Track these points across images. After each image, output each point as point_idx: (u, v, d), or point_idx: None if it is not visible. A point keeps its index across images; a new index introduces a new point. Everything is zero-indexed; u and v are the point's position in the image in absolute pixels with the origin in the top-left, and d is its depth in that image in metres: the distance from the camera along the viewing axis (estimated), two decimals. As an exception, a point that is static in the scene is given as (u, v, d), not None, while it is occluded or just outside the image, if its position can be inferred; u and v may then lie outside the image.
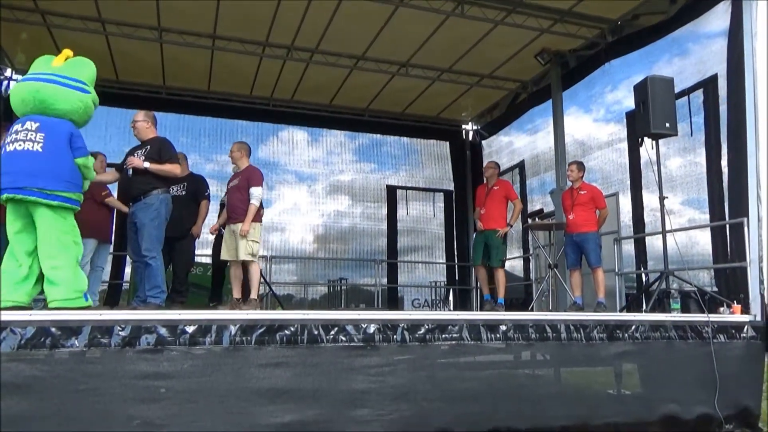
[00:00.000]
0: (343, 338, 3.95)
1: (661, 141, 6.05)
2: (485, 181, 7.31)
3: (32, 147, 3.81)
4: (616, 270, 7.47)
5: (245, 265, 5.70)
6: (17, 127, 3.90)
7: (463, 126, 11.99)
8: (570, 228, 6.68)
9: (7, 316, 3.32)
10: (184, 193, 6.18)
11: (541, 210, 9.58)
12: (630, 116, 7.61)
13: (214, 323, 3.70)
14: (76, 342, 3.36)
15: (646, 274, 7.27)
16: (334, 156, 11.62)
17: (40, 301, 4.24)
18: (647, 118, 5.86)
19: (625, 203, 7.87)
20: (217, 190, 7.62)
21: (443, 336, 4.20)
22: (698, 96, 6.71)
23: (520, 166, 10.47)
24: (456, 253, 11.69)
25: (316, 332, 3.89)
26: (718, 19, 6.39)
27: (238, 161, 5.93)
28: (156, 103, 9.35)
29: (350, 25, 8.00)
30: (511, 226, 7.23)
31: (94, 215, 5.68)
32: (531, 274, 10.01)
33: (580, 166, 6.84)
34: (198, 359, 3.60)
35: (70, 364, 3.35)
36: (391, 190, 11.66)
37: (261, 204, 5.81)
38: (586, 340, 4.58)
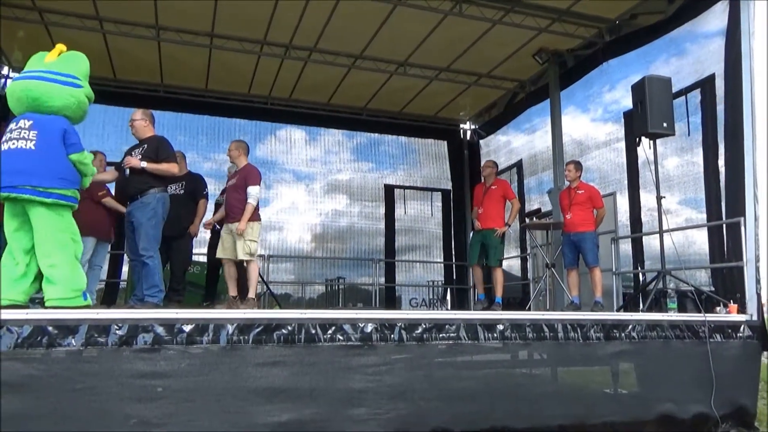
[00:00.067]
0: (341, 337, 3.96)
1: (658, 140, 6.06)
2: (483, 181, 7.31)
3: (25, 145, 3.81)
4: (614, 269, 7.48)
5: (240, 263, 5.69)
6: (12, 125, 3.90)
7: (461, 125, 11.99)
8: (567, 227, 6.69)
9: (4, 314, 3.31)
10: (182, 192, 6.18)
11: (539, 209, 9.56)
12: (627, 116, 7.61)
13: (212, 322, 3.70)
14: (73, 341, 3.36)
15: (644, 274, 7.28)
16: (332, 155, 11.62)
17: (36, 300, 4.23)
18: (645, 118, 5.87)
19: (623, 203, 7.88)
20: (215, 189, 7.61)
21: (440, 335, 4.21)
22: (696, 96, 6.71)
23: (518, 165, 10.47)
24: (454, 252, 11.69)
25: (313, 331, 3.90)
26: (715, 18, 6.40)
27: (236, 160, 5.92)
28: (153, 101, 9.33)
29: (348, 23, 7.99)
30: (509, 226, 7.23)
31: (92, 214, 5.67)
32: (528, 273, 10.02)
33: (578, 165, 6.85)
34: (195, 358, 3.60)
35: (67, 363, 3.35)
36: (389, 190, 11.65)
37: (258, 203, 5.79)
38: (583, 340, 4.59)
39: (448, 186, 11.95)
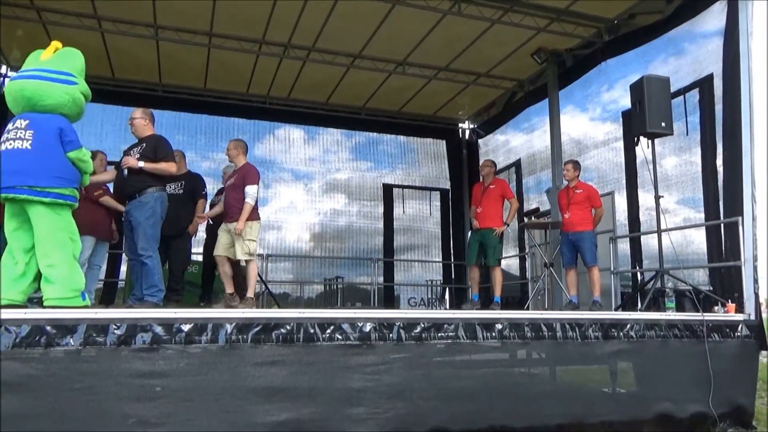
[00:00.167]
0: (339, 337, 3.96)
1: (656, 140, 6.07)
2: (481, 180, 7.31)
3: (22, 145, 3.80)
4: (612, 269, 7.49)
5: (235, 261, 5.68)
6: (9, 126, 3.90)
7: (460, 125, 12.00)
8: (566, 227, 6.69)
9: (2, 314, 3.31)
10: (181, 191, 6.16)
11: (537, 209, 9.58)
12: (626, 115, 7.63)
13: (210, 322, 3.69)
14: (72, 340, 3.36)
15: (642, 273, 7.29)
16: (331, 154, 11.62)
17: (35, 299, 4.23)
18: (643, 118, 5.88)
19: (621, 202, 7.89)
20: (213, 189, 7.61)
21: (439, 335, 4.22)
22: (694, 95, 6.72)
23: (517, 164, 10.48)
24: (452, 251, 11.70)
25: (312, 331, 3.90)
26: (713, 18, 6.41)
27: (234, 159, 5.87)
28: (152, 100, 9.32)
29: (347, 23, 7.99)
30: (508, 225, 7.24)
31: (91, 213, 5.66)
32: (527, 272, 10.03)
33: (576, 165, 6.85)
34: (194, 358, 3.60)
35: (65, 362, 3.35)
36: (388, 189, 11.66)
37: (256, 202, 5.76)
38: (582, 339, 4.60)
39: (447, 185, 11.96)
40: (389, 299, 11.11)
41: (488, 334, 4.35)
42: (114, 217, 6.06)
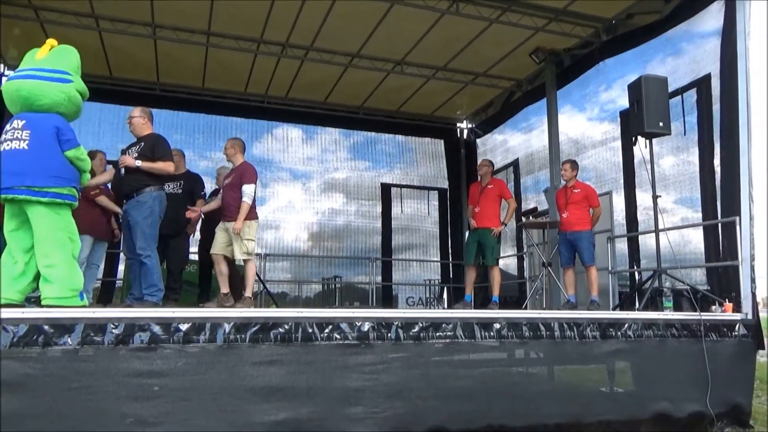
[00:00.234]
0: (338, 336, 3.96)
1: (654, 140, 6.07)
2: (479, 180, 7.31)
3: (19, 145, 3.80)
4: (610, 268, 7.49)
5: (230, 260, 5.67)
6: (7, 126, 3.89)
7: (458, 124, 12.00)
8: (564, 226, 6.70)
9: (0, 313, 3.30)
10: (180, 191, 6.14)
11: (536, 208, 9.60)
12: (624, 115, 7.63)
13: (208, 321, 3.69)
14: (69, 340, 3.35)
15: (639, 273, 7.30)
16: (329, 154, 11.62)
17: (32, 299, 4.22)
18: (641, 117, 5.88)
19: (619, 202, 7.89)
20: (209, 189, 7.59)
21: (437, 334, 4.22)
22: (692, 95, 6.73)
23: (515, 164, 10.49)
24: (450, 251, 11.71)
25: (310, 330, 3.89)
26: (711, 18, 6.42)
27: (232, 158, 5.82)
28: (150, 99, 9.31)
29: (345, 22, 7.99)
30: (506, 225, 7.24)
31: (90, 213, 5.64)
32: (525, 272, 10.04)
33: (574, 164, 6.86)
34: (192, 357, 3.59)
35: (63, 362, 3.34)
36: (386, 188, 11.66)
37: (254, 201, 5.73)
38: (580, 339, 4.60)
39: (445, 185, 11.97)
40: (387, 299, 11.12)
41: (486, 333, 4.35)
42: (114, 215, 6.05)
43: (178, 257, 6.17)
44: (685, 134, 6.84)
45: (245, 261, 5.59)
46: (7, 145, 3.81)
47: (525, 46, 8.61)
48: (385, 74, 9.61)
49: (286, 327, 3.85)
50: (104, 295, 8.87)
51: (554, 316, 4.69)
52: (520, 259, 10.27)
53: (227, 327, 3.70)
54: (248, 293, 5.54)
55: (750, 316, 5.28)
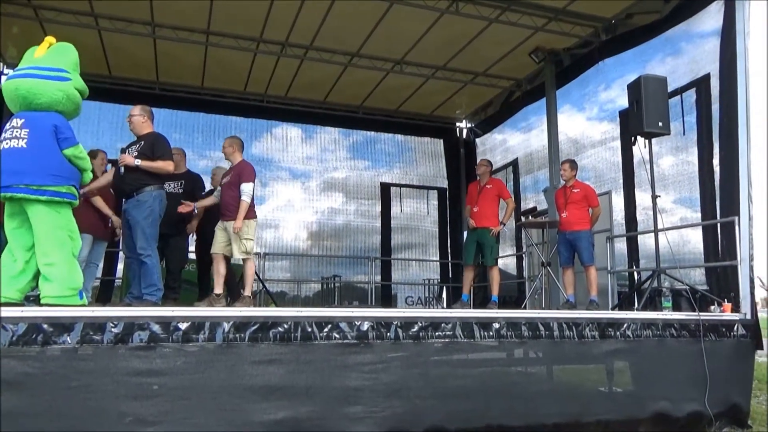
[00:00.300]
0: (337, 335, 3.96)
1: (653, 140, 6.08)
2: (477, 179, 7.31)
3: (18, 144, 3.80)
4: (609, 268, 7.50)
5: (228, 261, 5.66)
6: (7, 125, 3.90)
7: (457, 124, 12.00)
8: (563, 226, 6.70)
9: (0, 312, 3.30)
10: (181, 191, 6.11)
11: (535, 208, 9.61)
12: (623, 115, 7.63)
13: (208, 320, 3.69)
14: (68, 339, 3.35)
15: (638, 273, 7.30)
16: (328, 153, 11.61)
17: (32, 298, 4.22)
18: (640, 117, 5.88)
19: (618, 201, 7.90)
20: (210, 188, 7.58)
21: (436, 334, 4.22)
22: (691, 95, 6.74)
23: (514, 164, 10.49)
24: (449, 250, 11.71)
25: (309, 329, 3.89)
26: (711, 18, 6.43)
27: (230, 156, 5.80)
28: (149, 98, 9.25)
29: (345, 22, 7.98)
30: (504, 225, 7.25)
31: (90, 212, 5.64)
32: (524, 272, 10.04)
33: (573, 164, 6.86)
34: (191, 356, 3.59)
35: (62, 360, 3.33)
36: (385, 188, 11.66)
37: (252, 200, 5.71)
38: (579, 338, 4.61)
39: (444, 184, 11.97)
40: (386, 298, 11.12)
41: (485, 333, 4.35)
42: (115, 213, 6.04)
43: (177, 256, 6.17)
44: (684, 134, 6.85)
45: (244, 260, 5.59)
46: (6, 143, 3.82)
47: (524, 45, 8.61)
48: (384, 74, 9.60)
49: (286, 326, 3.85)
50: (103, 294, 8.86)
51: (553, 316, 4.69)
52: (520, 259, 10.28)
53: (226, 326, 3.70)
54: (247, 292, 5.54)
55: (749, 317, 5.28)
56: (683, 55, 7.03)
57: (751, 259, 5.40)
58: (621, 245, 7.78)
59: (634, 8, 7.57)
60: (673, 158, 7.12)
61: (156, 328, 3.55)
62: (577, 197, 6.62)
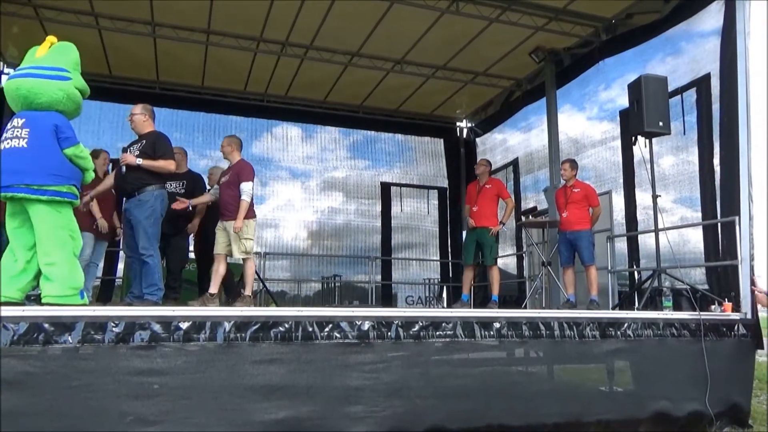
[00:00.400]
0: (338, 335, 3.96)
1: (654, 139, 6.08)
2: (477, 179, 7.31)
3: (18, 144, 3.81)
4: (609, 268, 7.50)
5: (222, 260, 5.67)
6: (8, 125, 3.90)
7: (458, 123, 12.00)
8: (563, 226, 6.70)
9: (1, 311, 3.30)
10: (183, 191, 6.10)
11: (535, 207, 9.61)
12: (623, 114, 7.63)
13: (209, 320, 3.69)
14: (69, 338, 3.35)
15: (639, 272, 7.30)
16: (328, 152, 11.61)
17: (32, 297, 4.22)
18: (641, 117, 5.88)
19: (618, 201, 7.90)
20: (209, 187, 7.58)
21: (437, 333, 4.21)
22: (691, 95, 6.73)
23: (514, 163, 10.48)
24: (450, 250, 11.71)
25: (310, 329, 3.89)
26: (711, 18, 6.42)
27: (229, 156, 5.77)
28: (149, 98, 9.18)
29: (345, 21, 7.98)
30: (504, 225, 7.25)
31: (89, 211, 5.64)
32: (524, 271, 10.04)
33: (573, 164, 6.86)
34: (192, 356, 3.59)
35: (63, 360, 3.33)
36: (385, 187, 11.66)
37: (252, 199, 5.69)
38: (579, 338, 4.61)
39: (445, 184, 11.97)
40: (387, 297, 11.12)
41: (486, 332, 4.35)
42: (115, 212, 6.03)
43: (178, 256, 6.16)
44: (684, 134, 6.84)
45: (244, 260, 5.58)
46: (7, 143, 3.83)
47: (525, 45, 8.61)
48: (384, 73, 9.60)
49: (287, 326, 3.85)
50: (104, 294, 8.86)
51: (554, 316, 4.69)
52: (520, 259, 10.27)
53: (227, 326, 3.70)
54: (248, 292, 5.53)
55: (749, 316, 5.28)
56: (683, 55, 7.03)
57: (751, 258, 5.40)
58: (621, 245, 7.78)
59: (635, 8, 7.57)
60: (674, 158, 7.12)
61: (157, 327, 3.55)
62: (578, 197, 6.62)
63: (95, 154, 5.76)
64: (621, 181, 7.85)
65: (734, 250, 5.55)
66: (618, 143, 7.99)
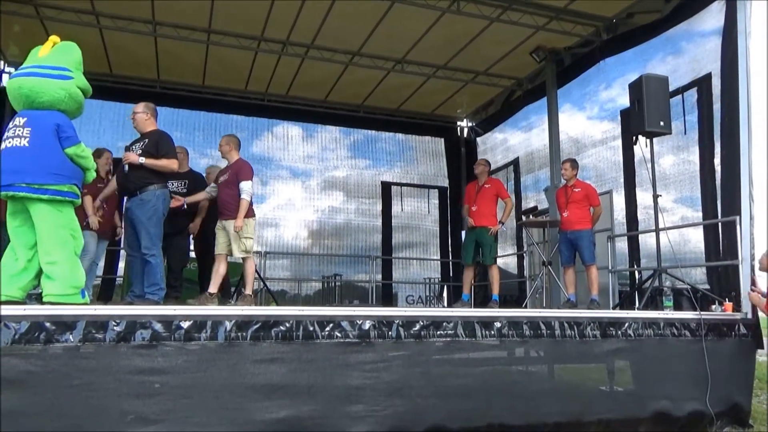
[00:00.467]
0: (338, 334, 3.96)
1: (654, 139, 6.08)
2: (476, 179, 7.31)
3: (19, 143, 3.81)
4: (610, 267, 7.50)
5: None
6: (10, 124, 3.90)
7: (458, 123, 11.99)
8: (564, 225, 6.70)
9: (2, 310, 3.30)
10: (184, 190, 6.09)
11: (536, 207, 9.61)
12: (624, 114, 7.63)
13: (209, 319, 3.70)
14: (71, 337, 3.36)
15: (639, 272, 7.30)
16: (329, 152, 11.61)
17: (34, 296, 4.22)
18: (642, 116, 5.89)
19: (619, 201, 7.90)
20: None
21: (438, 332, 4.22)
22: (692, 94, 6.73)
23: (515, 163, 10.48)
24: (450, 249, 11.71)
25: (311, 328, 3.90)
26: (712, 17, 6.42)
27: (227, 155, 5.75)
28: (150, 97, 9.18)
29: (346, 20, 7.98)
30: (503, 224, 7.25)
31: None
32: (525, 271, 10.04)
33: (574, 163, 6.87)
34: (193, 355, 3.60)
35: (64, 359, 3.34)
36: (386, 187, 11.66)
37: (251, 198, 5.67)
38: (580, 337, 4.61)
39: (445, 183, 11.96)
40: (387, 297, 11.12)
41: (487, 332, 4.36)
42: (117, 211, 6.03)
43: (179, 255, 6.16)
44: (685, 133, 6.84)
45: (244, 259, 5.57)
46: (9, 142, 3.83)
47: (525, 44, 8.61)
48: (385, 73, 9.60)
49: (288, 325, 3.85)
50: (104, 293, 8.86)
51: (555, 315, 4.70)
52: (520, 258, 10.27)
53: (228, 325, 3.71)
54: (248, 291, 5.52)
55: (750, 316, 5.29)
56: (684, 55, 7.02)
57: (752, 258, 5.40)
58: (622, 244, 7.78)
59: (635, 7, 7.57)
60: (674, 157, 7.12)
61: (158, 326, 3.56)
62: (578, 196, 6.62)
63: (98, 153, 5.76)
64: (622, 180, 7.85)
65: (735, 250, 5.55)
66: (619, 143, 7.99)
